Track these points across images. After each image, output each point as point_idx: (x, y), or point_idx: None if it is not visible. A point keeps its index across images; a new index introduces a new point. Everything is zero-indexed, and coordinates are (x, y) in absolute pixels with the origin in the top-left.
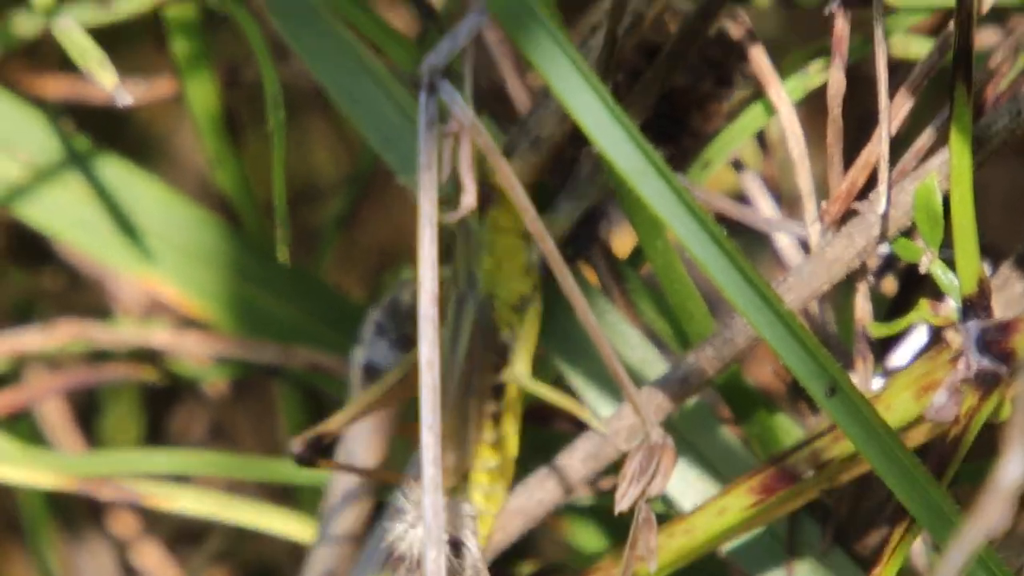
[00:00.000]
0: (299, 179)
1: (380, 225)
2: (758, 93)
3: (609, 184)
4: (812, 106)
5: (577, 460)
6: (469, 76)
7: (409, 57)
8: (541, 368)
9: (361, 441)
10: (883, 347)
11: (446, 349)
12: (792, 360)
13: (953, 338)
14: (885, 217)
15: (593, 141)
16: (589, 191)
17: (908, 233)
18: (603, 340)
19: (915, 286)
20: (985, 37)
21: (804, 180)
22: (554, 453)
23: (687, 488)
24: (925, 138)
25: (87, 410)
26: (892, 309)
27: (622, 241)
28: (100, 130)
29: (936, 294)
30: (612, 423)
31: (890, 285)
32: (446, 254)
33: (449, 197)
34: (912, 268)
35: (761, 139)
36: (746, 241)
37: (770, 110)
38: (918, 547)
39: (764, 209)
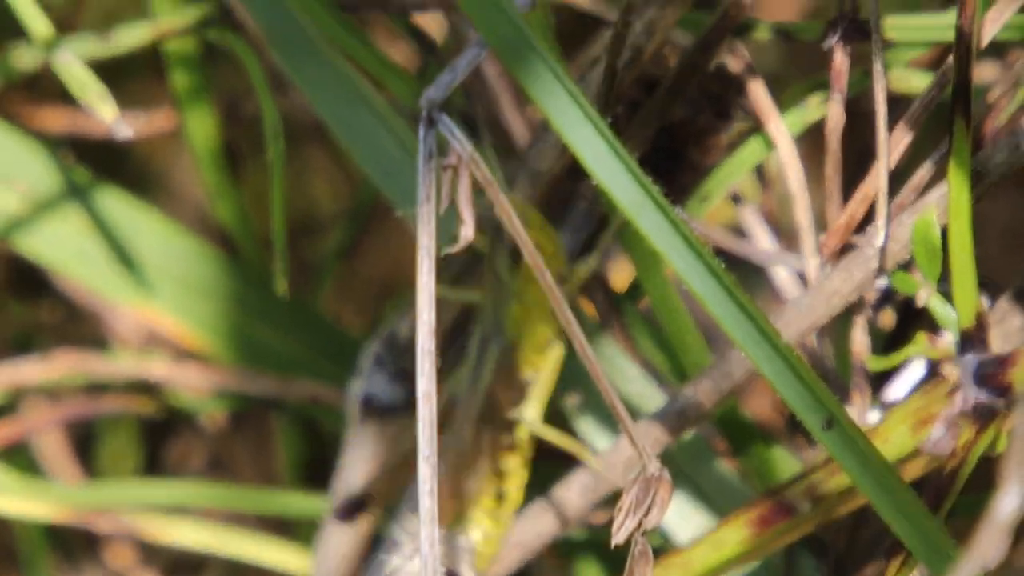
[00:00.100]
0: (298, 211)
1: (379, 257)
2: (757, 127)
3: (608, 217)
4: (811, 140)
5: (574, 493)
6: (479, 114)
7: (409, 90)
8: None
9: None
10: (880, 380)
11: (464, 387)
12: (789, 393)
13: (950, 371)
14: (883, 251)
15: (592, 174)
16: (587, 225)
17: (906, 266)
18: (600, 373)
19: (913, 319)
20: (984, 71)
21: (803, 214)
22: (551, 485)
23: (684, 521)
24: (924, 172)
25: (85, 442)
26: (890, 342)
27: (620, 274)
28: (99, 163)
29: (934, 327)
30: (609, 456)
31: (888, 318)
32: (461, 279)
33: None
34: (910, 301)
35: (760, 173)
36: (744, 274)
37: (769, 144)
38: None
39: (762, 242)
